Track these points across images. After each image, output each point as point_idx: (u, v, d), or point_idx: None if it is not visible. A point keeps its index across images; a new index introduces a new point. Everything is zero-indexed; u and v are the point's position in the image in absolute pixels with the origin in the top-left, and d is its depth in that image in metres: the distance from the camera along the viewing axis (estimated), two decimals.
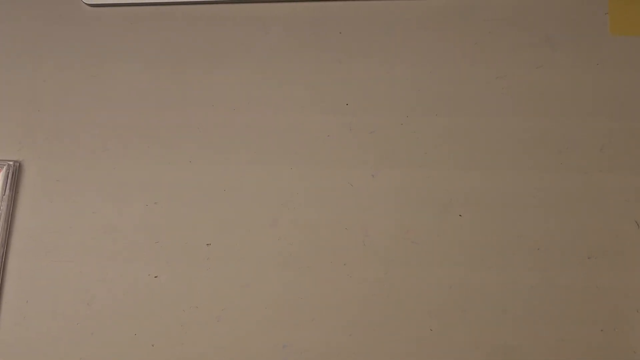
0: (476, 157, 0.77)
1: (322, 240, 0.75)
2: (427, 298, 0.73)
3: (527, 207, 0.75)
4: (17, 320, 0.75)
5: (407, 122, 0.79)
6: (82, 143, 0.80)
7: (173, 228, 0.76)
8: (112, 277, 0.76)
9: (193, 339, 0.74)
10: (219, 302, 0.74)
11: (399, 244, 0.75)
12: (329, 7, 0.83)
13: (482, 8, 0.81)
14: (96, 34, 0.84)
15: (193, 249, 0.76)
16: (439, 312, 0.73)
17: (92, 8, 0.85)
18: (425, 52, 0.81)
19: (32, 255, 0.78)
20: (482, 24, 0.80)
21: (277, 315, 0.73)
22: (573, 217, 0.74)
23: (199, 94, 0.81)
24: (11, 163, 0.79)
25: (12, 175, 0.78)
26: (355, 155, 0.78)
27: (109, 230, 0.77)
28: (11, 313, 0.76)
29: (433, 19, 0.81)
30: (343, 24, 0.82)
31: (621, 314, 0.71)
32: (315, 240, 0.75)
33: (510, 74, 0.79)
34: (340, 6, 0.83)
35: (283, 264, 0.75)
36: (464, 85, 0.80)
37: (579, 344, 0.71)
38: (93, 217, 0.78)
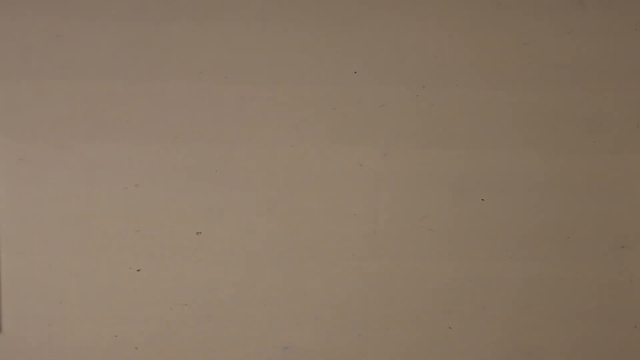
0: (500, 135, 0.68)
1: (327, 228, 0.67)
2: (445, 293, 0.66)
3: (555, 190, 0.67)
4: None
5: (422, 94, 0.70)
6: (48, 116, 0.68)
7: (157, 214, 0.67)
8: (87, 271, 0.66)
9: (181, 340, 0.65)
10: (210, 299, 0.65)
11: (413, 232, 0.67)
12: None
13: None
14: None
15: (180, 239, 0.66)
16: (458, 308, 0.66)
17: None
18: (442, 14, 0.71)
19: None
20: None
21: (277, 314, 0.65)
22: (606, 202, 0.67)
23: (185, 58, 0.70)
24: None
25: None
26: (365, 132, 0.69)
27: (82, 217, 0.67)
28: None
29: None
30: None
31: None
32: (319, 229, 0.66)
33: (537, 40, 0.71)
34: None
35: (283, 255, 0.66)
36: (485, 52, 0.70)
37: (610, 342, 0.65)
38: (62, 202, 0.67)
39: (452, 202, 0.67)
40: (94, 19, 0.71)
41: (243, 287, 0.66)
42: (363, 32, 0.70)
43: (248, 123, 0.68)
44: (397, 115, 0.69)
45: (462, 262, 0.66)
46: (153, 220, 0.66)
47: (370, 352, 0.65)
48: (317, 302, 0.66)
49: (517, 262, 0.66)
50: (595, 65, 0.70)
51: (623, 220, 0.66)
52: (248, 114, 0.68)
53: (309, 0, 0.70)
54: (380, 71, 0.70)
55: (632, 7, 0.70)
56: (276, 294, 0.66)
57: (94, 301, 0.66)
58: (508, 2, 0.71)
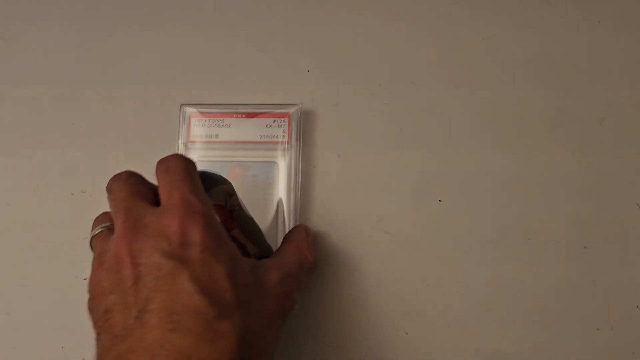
0: (458, 134, 0.66)
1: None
2: (401, 297, 0.63)
3: (515, 190, 0.65)
4: None
5: (378, 92, 0.67)
6: None
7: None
8: (32, 281, 0.64)
9: None
10: None
11: (368, 235, 0.64)
12: None
13: None
14: None
15: None
16: (415, 313, 0.63)
17: None
18: (397, 9, 0.69)
19: None
20: None
21: None
22: (568, 202, 0.65)
23: (133, 60, 0.68)
24: None
25: None
26: (317, 130, 0.66)
27: (27, 225, 0.65)
28: None
29: None
30: None
31: (620, 310, 0.63)
32: None
33: (497, 35, 0.68)
34: None
35: None
36: (444, 48, 0.68)
37: (573, 345, 0.63)
38: (7, 209, 0.66)
39: (409, 204, 0.65)
40: (40, 20, 0.69)
41: None
42: (315, 30, 0.68)
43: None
44: (352, 114, 0.67)
45: (419, 266, 0.64)
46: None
47: (322, 356, 0.63)
48: None
49: (477, 264, 0.63)
50: (557, 60, 0.67)
51: (586, 220, 0.64)
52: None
53: None
54: (333, 69, 0.67)
55: None
56: None
57: (41, 312, 0.64)
58: None
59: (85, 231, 0.63)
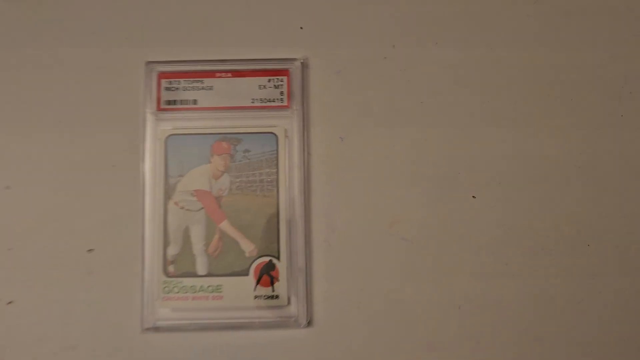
0: (495, 108, 0.51)
1: None
2: (426, 323, 0.49)
3: (573, 181, 0.50)
4: None
5: (392, 55, 0.52)
6: None
7: (35, 226, 0.49)
8: None
9: None
10: (112, 338, 0.48)
11: (381, 242, 0.50)
12: None
13: None
14: None
15: (67, 259, 0.49)
16: (443, 344, 0.49)
17: None
18: None
19: None
20: None
21: None
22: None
23: (78, 12, 0.52)
24: None
25: None
26: (314, 105, 0.51)
27: None
28: None
29: None
30: None
31: None
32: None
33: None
34: None
35: None
36: (473, 6, 0.53)
37: None
38: None
39: (433, 201, 0.50)
40: None
41: None
42: None
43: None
44: (359, 83, 0.51)
45: (448, 282, 0.49)
46: (29, 235, 0.49)
47: None
48: None
49: (523, 279, 0.49)
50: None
51: None
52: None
53: None
54: (335, 26, 0.52)
55: None
56: None
57: None
58: None
59: (10, 240, 0.48)
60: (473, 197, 0.50)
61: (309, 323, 0.48)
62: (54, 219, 0.49)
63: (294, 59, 0.51)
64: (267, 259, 0.48)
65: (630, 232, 0.50)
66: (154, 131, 0.50)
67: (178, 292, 0.48)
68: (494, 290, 0.49)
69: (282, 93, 0.50)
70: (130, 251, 0.49)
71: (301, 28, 0.52)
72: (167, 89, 0.50)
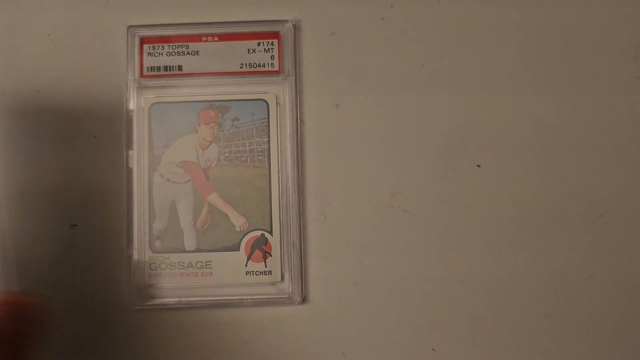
0: (502, 72, 0.48)
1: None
2: (427, 302, 0.46)
3: (584, 148, 0.47)
4: None
5: (390, 15, 0.49)
6: None
7: (13, 202, 0.47)
8: None
9: None
10: (98, 317, 0.46)
11: (380, 215, 0.47)
12: None
13: None
14: None
15: (50, 235, 0.47)
16: (446, 324, 0.46)
17: None
18: None
19: None
20: None
21: None
22: None
23: None
24: None
25: None
26: (307, 70, 0.48)
27: None
28: None
29: None
30: None
31: None
32: None
33: None
34: None
35: None
36: None
37: None
38: None
39: (436, 171, 0.47)
40: None
41: None
42: None
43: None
44: (350, 42, 0.48)
45: (452, 257, 0.47)
46: (9, 212, 0.46)
47: None
48: None
49: (531, 252, 0.46)
50: None
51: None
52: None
53: None
54: None
55: None
56: None
57: None
58: None
59: None
60: (478, 166, 0.47)
61: (304, 300, 0.46)
62: (35, 194, 0.47)
63: (285, 21, 0.48)
64: (258, 233, 0.46)
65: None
66: (136, 100, 0.47)
67: (165, 269, 0.46)
68: (501, 265, 0.46)
69: (272, 57, 0.47)
70: (115, 226, 0.46)
71: None
72: (150, 54, 0.47)
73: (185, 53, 0.47)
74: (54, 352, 0.45)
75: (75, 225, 0.46)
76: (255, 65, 0.47)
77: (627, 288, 0.46)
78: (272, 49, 0.47)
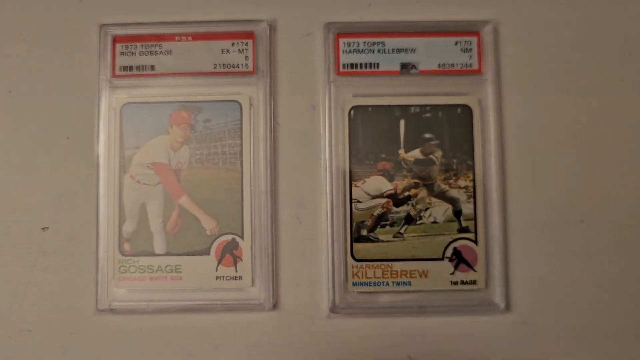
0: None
1: None
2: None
3: (567, 150, 0.46)
4: None
5: (367, 14, 0.48)
6: None
7: None
8: None
9: None
10: (67, 321, 0.45)
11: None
12: None
13: None
14: None
15: (21, 237, 0.46)
16: (420, 332, 0.45)
17: None
18: None
19: None
20: None
21: None
22: None
23: None
24: None
25: None
26: (282, 71, 0.47)
27: None
28: None
29: None
30: None
31: None
32: None
33: None
34: None
35: None
36: None
37: None
38: None
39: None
40: None
41: None
42: None
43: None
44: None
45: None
46: None
47: None
48: None
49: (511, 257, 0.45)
50: None
51: None
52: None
53: None
54: None
55: None
56: None
57: None
58: None
59: None
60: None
61: (275, 306, 0.45)
62: (6, 196, 0.46)
63: (260, 21, 0.47)
64: (229, 237, 0.45)
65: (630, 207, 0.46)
66: (108, 100, 0.46)
67: (134, 272, 0.45)
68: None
69: (247, 58, 0.47)
70: (85, 229, 0.46)
71: None
72: (123, 53, 0.47)
73: (158, 52, 0.47)
74: (21, 353, 0.45)
75: (47, 227, 0.46)
76: (229, 66, 0.46)
77: (611, 293, 0.45)
78: (246, 49, 0.47)
